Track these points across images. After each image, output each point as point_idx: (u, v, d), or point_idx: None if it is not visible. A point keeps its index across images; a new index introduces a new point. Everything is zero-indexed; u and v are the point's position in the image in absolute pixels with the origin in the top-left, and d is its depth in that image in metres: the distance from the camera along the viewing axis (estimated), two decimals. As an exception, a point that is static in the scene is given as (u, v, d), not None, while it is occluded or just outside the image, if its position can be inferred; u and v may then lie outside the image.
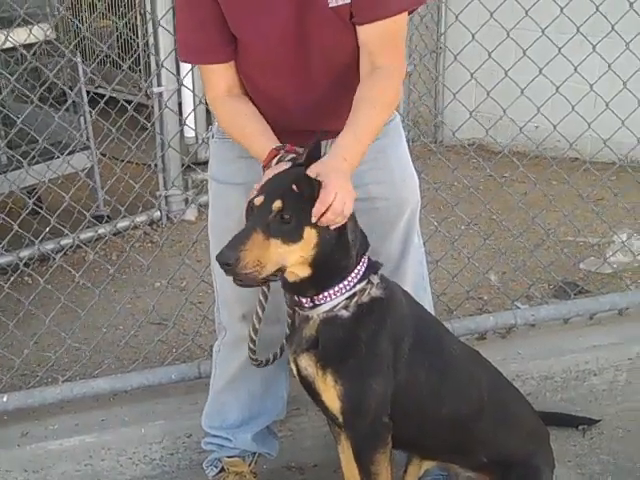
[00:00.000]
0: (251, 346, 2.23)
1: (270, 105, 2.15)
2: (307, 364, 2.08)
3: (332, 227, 1.89)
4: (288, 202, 1.88)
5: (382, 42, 2.02)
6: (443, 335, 2.25)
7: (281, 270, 1.92)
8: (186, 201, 4.30)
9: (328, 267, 1.96)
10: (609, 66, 3.28)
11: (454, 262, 3.58)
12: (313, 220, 1.86)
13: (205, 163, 3.88)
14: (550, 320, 3.00)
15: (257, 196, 1.93)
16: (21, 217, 3.13)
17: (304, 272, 1.96)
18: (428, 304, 2.47)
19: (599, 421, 2.78)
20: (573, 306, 3.02)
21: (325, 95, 2.12)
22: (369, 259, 2.07)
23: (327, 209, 1.84)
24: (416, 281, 2.44)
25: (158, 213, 4.27)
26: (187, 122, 3.89)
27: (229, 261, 1.84)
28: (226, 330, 2.46)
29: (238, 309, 2.37)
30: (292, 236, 1.88)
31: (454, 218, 3.87)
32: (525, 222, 3.82)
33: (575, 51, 3.25)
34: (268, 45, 2.05)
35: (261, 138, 2.09)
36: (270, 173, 1.97)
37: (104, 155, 4.15)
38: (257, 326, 2.20)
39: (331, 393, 2.05)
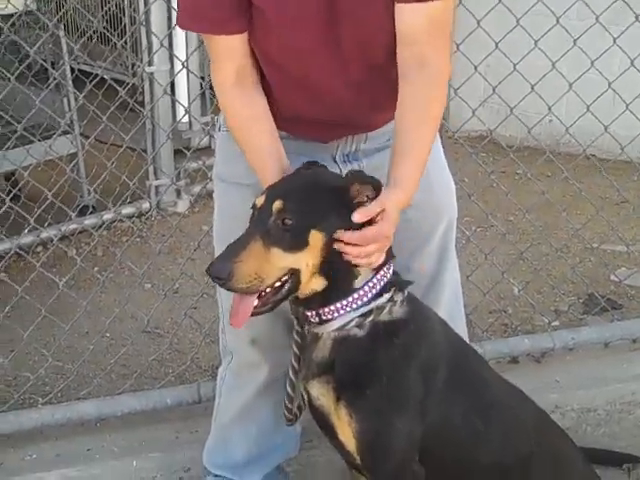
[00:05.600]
0: (287, 404, 1.93)
1: (300, 92, 1.86)
2: (320, 392, 1.79)
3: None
4: (290, 203, 1.64)
5: (429, 29, 1.74)
6: (483, 369, 1.97)
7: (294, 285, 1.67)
8: (178, 192, 3.98)
9: (336, 276, 1.70)
10: (632, 62, 2.94)
11: (469, 268, 3.27)
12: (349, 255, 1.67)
13: (198, 150, 3.60)
14: (592, 344, 2.73)
15: (259, 196, 1.69)
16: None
17: (318, 285, 1.69)
18: (463, 331, 2.20)
19: (645, 459, 2.54)
20: (617, 329, 2.75)
21: (360, 85, 1.85)
22: (394, 273, 1.79)
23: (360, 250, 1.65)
24: (451, 303, 2.18)
25: (147, 204, 3.94)
26: (180, 105, 3.59)
27: (220, 275, 1.59)
28: (232, 354, 2.18)
29: (247, 332, 2.06)
30: (297, 243, 1.63)
31: (468, 218, 3.59)
32: (546, 225, 3.55)
33: (595, 42, 2.90)
34: (294, 22, 1.75)
35: (274, 163, 1.83)
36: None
37: (87, 137, 3.80)
38: (294, 379, 1.90)
39: (346, 429, 1.76)
